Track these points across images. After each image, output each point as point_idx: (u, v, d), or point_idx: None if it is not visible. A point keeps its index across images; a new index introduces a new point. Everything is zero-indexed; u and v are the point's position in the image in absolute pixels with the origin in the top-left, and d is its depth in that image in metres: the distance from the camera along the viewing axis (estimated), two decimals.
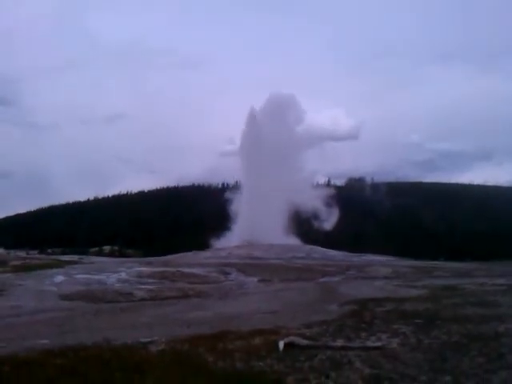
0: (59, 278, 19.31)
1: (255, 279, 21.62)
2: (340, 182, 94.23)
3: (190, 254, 40.23)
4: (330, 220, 52.66)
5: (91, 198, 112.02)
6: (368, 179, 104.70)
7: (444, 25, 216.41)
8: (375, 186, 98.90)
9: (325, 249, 43.04)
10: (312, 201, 49.66)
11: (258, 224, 45.03)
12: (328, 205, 51.80)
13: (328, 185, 76.18)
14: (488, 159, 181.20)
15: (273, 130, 50.68)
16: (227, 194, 56.83)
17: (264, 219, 45.06)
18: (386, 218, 78.05)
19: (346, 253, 42.07)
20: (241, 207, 50.21)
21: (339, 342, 7.04)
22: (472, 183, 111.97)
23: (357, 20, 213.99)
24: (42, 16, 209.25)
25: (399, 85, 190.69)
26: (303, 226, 49.61)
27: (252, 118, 52.03)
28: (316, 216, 52.12)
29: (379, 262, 31.35)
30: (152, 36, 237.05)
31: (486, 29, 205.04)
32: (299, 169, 51.86)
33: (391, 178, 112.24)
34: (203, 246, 48.11)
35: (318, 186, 59.03)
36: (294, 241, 45.26)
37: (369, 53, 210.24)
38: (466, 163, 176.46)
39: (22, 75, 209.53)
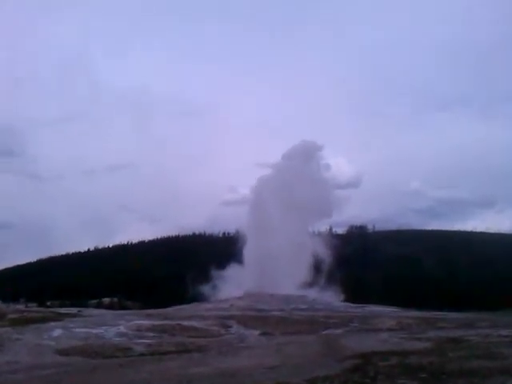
0: (57, 332, 18.98)
1: (256, 332, 21.24)
2: (341, 230, 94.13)
3: (190, 305, 39.66)
4: (333, 269, 52.16)
5: (91, 248, 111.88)
6: (370, 227, 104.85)
7: (444, 72, 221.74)
8: (377, 234, 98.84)
9: (329, 299, 42.47)
10: (317, 249, 49.37)
11: (264, 274, 44.63)
12: (331, 253, 51.47)
13: (330, 233, 75.93)
14: (489, 206, 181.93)
15: (289, 180, 51.20)
16: (229, 243, 56.67)
17: (271, 268, 44.66)
18: (388, 266, 77.42)
19: (349, 304, 41.49)
20: (245, 256, 49.93)
21: None
22: (474, 230, 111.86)
23: (357, 67, 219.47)
24: (46, 67, 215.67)
25: (400, 132, 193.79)
26: (309, 275, 49.00)
27: (267, 167, 52.85)
28: (320, 265, 51.68)
29: (383, 314, 30.85)
30: (156, 84, 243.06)
31: (486, 76, 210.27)
32: (309, 217, 51.72)
33: (393, 226, 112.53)
34: (204, 297, 47.53)
35: (319, 234, 58.74)
36: (302, 291, 44.53)
37: (369, 100, 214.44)
38: (468, 210, 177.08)
39: (26, 126, 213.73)
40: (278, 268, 44.56)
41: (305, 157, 53.93)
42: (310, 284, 46.92)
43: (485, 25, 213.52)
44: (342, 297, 46.76)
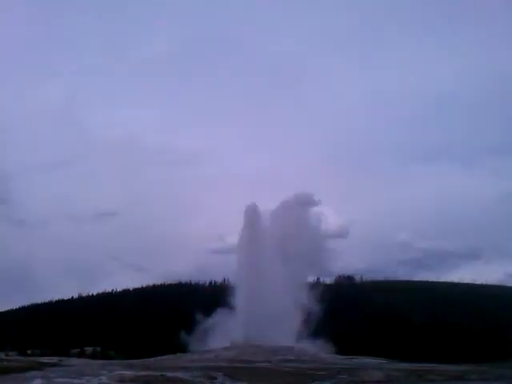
0: (37, 382, 18.45)
1: None
2: (329, 280, 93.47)
3: (174, 356, 38.91)
4: (320, 319, 51.59)
5: (75, 296, 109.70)
6: (357, 277, 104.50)
7: (430, 125, 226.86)
8: (364, 285, 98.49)
9: (316, 351, 41.86)
10: (306, 300, 48.96)
11: (252, 324, 44.04)
12: (319, 304, 51.04)
13: (317, 283, 75.47)
14: (476, 258, 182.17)
15: (282, 230, 51.36)
16: (215, 293, 56.10)
17: (260, 318, 44.10)
18: (376, 317, 76.72)
19: (336, 355, 40.90)
20: (233, 305, 49.35)
21: None
22: (461, 282, 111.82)
23: (344, 118, 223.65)
24: (35, 113, 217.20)
25: (387, 183, 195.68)
26: (297, 325, 48.32)
27: (252, 214, 52.81)
28: (308, 315, 51.10)
29: (371, 365, 30.43)
30: (145, 134, 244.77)
31: (471, 129, 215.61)
32: (301, 268, 51.51)
33: (380, 277, 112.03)
34: (189, 347, 46.64)
35: (308, 284, 58.46)
36: (290, 342, 43.82)
37: (356, 151, 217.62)
38: (455, 262, 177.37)
39: (13, 172, 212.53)
40: (266, 318, 44.05)
41: (299, 208, 54.44)
42: (299, 335, 46.35)
43: (469, 78, 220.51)
44: (330, 348, 46.11)
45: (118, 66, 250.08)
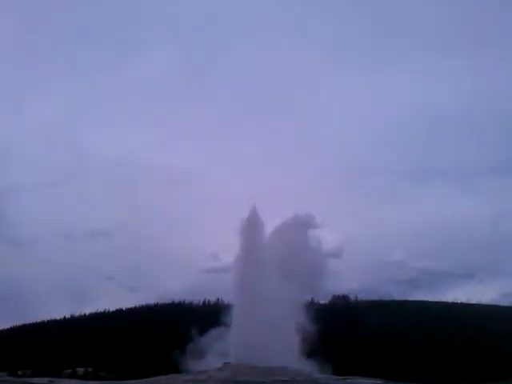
0: None
1: None
2: (324, 300, 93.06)
3: (167, 377, 38.44)
4: (315, 339, 51.21)
5: (67, 315, 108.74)
6: (352, 297, 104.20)
7: (426, 145, 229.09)
8: (359, 304, 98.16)
9: (310, 371, 41.42)
10: (302, 320, 48.54)
11: (246, 344, 43.58)
12: (314, 324, 50.72)
13: (312, 303, 75.11)
14: (471, 278, 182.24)
15: (280, 250, 51.08)
16: (209, 312, 55.67)
17: (256, 338, 43.65)
18: (371, 337, 76.33)
19: (330, 376, 40.56)
20: (228, 325, 48.96)
21: None
22: (456, 301, 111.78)
23: (339, 138, 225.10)
24: (27, 132, 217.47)
25: (382, 203, 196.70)
26: (293, 346, 47.81)
27: (253, 219, 52.54)
28: (303, 335, 50.70)
29: None
30: (138, 152, 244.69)
31: (465, 149, 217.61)
32: (298, 287, 51.15)
33: (375, 296, 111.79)
34: (182, 367, 46.15)
35: (303, 304, 58.13)
36: (284, 362, 43.25)
37: (351, 171, 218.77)
38: (449, 281, 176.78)
39: (5, 190, 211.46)
40: (262, 338, 43.63)
41: (299, 229, 54.32)
42: (295, 355, 45.87)
43: (466, 99, 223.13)
44: (325, 368, 45.72)
45: (110, 86, 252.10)
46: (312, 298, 56.54)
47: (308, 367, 43.82)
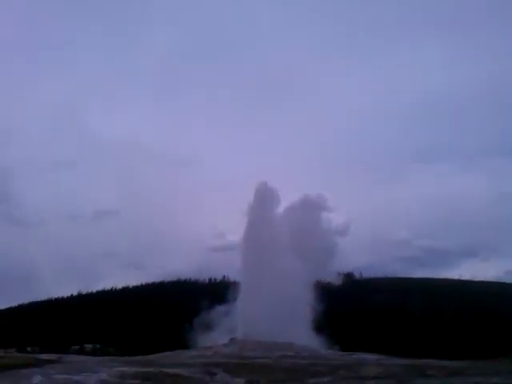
0: (37, 379, 18.45)
1: (242, 380, 20.82)
2: (330, 278, 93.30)
3: (174, 352, 38.80)
4: (320, 316, 51.51)
5: (75, 293, 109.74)
6: (357, 275, 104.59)
7: (430, 125, 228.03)
8: (364, 282, 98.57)
9: (316, 347, 41.77)
10: (307, 297, 48.74)
11: (253, 320, 43.88)
12: (319, 301, 50.92)
13: (319, 281, 75.42)
14: (475, 255, 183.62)
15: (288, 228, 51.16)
16: (215, 290, 56.00)
17: (263, 314, 43.91)
18: (376, 313, 76.83)
19: (335, 351, 40.87)
20: (234, 302, 49.28)
21: None
22: (460, 278, 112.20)
23: (345, 119, 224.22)
24: (35, 113, 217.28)
25: (387, 182, 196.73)
26: (298, 322, 48.12)
27: (252, 208, 52.62)
28: (308, 312, 50.95)
29: (370, 361, 30.43)
30: (144, 133, 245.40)
31: (469, 129, 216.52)
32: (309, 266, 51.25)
33: (380, 274, 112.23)
34: (188, 343, 46.64)
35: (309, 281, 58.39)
36: (289, 338, 43.61)
37: (356, 150, 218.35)
38: (454, 259, 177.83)
39: (13, 171, 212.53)
40: (269, 314, 43.91)
41: (311, 209, 54.43)
42: (301, 331, 46.15)
43: (469, 79, 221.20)
44: (331, 344, 46.11)
45: (118, 67, 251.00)
46: (320, 277, 56.53)
47: (314, 343, 44.23)
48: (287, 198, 55.55)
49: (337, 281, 55.98)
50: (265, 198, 52.88)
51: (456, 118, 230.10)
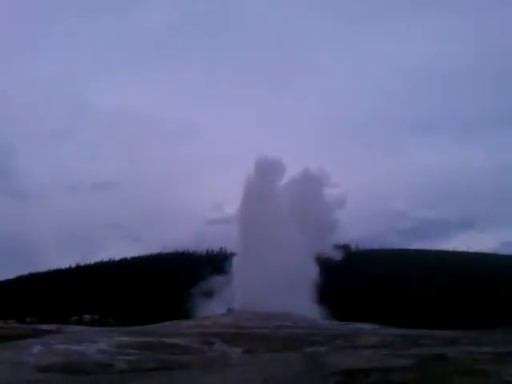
0: (36, 349, 18.61)
1: (239, 350, 21.05)
2: (327, 250, 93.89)
3: (172, 323, 39.23)
4: (317, 286, 51.96)
5: (73, 265, 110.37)
6: (353, 246, 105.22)
7: (429, 96, 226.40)
8: (360, 253, 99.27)
9: (313, 317, 42.24)
10: (305, 268, 49.03)
11: (249, 291, 44.27)
12: (317, 272, 51.25)
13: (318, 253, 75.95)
14: (471, 227, 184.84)
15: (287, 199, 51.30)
16: (212, 261, 56.37)
17: (260, 286, 44.26)
18: (372, 284, 77.68)
19: (332, 321, 41.38)
20: (232, 273, 49.65)
21: None
22: (456, 250, 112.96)
23: (341, 90, 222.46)
24: (33, 84, 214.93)
25: (383, 153, 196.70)
26: (295, 293, 48.61)
27: (250, 179, 52.67)
28: (306, 282, 51.36)
29: (366, 331, 30.86)
30: (143, 104, 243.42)
31: (467, 100, 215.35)
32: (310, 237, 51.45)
33: (376, 245, 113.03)
34: (186, 314, 47.16)
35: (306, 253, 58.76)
36: (286, 308, 44.05)
37: (353, 122, 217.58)
38: (450, 231, 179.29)
39: (10, 144, 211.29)
40: (264, 285, 44.26)
41: (311, 183, 54.49)
42: (298, 301, 46.62)
43: (468, 50, 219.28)
44: (328, 315, 46.67)
45: (116, 37, 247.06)
46: (320, 250, 57.06)
47: (311, 313, 44.73)
48: (287, 171, 55.69)
49: (337, 256, 56.14)
50: (265, 169, 52.83)
51: (455, 89, 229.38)
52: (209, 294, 50.42)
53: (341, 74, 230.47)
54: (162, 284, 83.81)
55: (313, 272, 49.02)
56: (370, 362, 14.81)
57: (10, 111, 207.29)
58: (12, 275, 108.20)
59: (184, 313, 48.14)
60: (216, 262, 58.37)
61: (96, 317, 74.21)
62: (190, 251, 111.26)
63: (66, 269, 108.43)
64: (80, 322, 63.98)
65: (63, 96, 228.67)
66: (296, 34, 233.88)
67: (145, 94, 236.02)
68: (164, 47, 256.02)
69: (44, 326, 34.81)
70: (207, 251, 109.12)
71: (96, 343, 20.51)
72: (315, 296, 48.81)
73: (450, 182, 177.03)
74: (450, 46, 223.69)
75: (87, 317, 73.46)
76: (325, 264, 54.05)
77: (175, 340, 22.54)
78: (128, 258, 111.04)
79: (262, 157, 53.44)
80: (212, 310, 45.94)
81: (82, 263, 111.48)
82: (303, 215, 50.73)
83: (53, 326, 34.04)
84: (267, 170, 52.86)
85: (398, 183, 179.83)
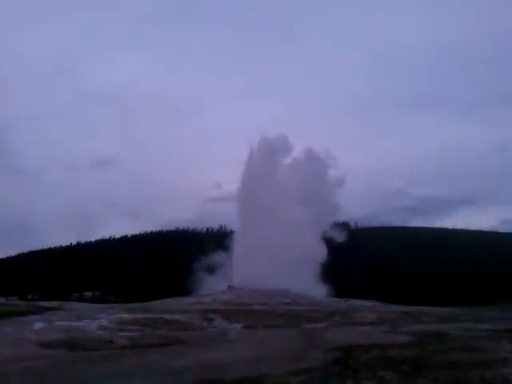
0: (38, 325, 18.76)
1: (239, 326, 21.24)
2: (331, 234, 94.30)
3: (172, 299, 39.53)
4: (316, 263, 52.21)
5: (74, 242, 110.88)
6: (352, 224, 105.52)
7: (427, 75, 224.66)
8: (359, 231, 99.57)
9: (312, 294, 42.51)
10: (305, 245, 49.18)
11: (249, 268, 44.48)
12: (320, 250, 51.44)
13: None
14: (470, 205, 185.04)
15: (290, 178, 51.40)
16: (212, 239, 56.54)
17: (260, 263, 44.46)
18: (371, 262, 78.10)
19: (331, 298, 41.69)
20: (232, 251, 49.82)
21: None
22: (455, 228, 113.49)
23: (342, 67, 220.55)
24: (31, 63, 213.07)
25: (384, 131, 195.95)
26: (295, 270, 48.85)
27: (252, 157, 52.63)
28: (305, 260, 51.58)
29: (365, 308, 31.10)
30: (141, 83, 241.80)
31: (468, 79, 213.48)
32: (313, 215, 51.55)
33: (375, 223, 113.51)
34: (186, 291, 47.48)
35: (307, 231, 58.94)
36: (285, 285, 44.28)
37: (355, 101, 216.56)
38: (449, 208, 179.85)
39: (11, 122, 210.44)
40: (264, 263, 44.46)
41: (315, 163, 54.61)
42: (295, 279, 46.86)
43: (471, 28, 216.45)
44: (327, 291, 47.05)
45: (111, 14, 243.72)
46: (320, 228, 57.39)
47: (311, 291, 45.03)
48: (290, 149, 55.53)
49: (340, 237, 56.39)
50: (269, 147, 52.83)
51: (456, 67, 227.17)
52: (209, 272, 50.70)
53: (341, 50, 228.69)
54: (163, 261, 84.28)
55: (315, 250, 49.24)
56: (368, 339, 14.93)
57: (7, 90, 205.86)
58: (13, 252, 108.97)
59: (184, 290, 48.47)
60: (216, 240, 58.53)
61: (97, 294, 74.91)
62: (190, 229, 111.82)
63: (67, 246, 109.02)
64: (81, 299, 64.56)
65: (62, 73, 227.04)
66: (296, 8, 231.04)
67: (144, 69, 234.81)
68: (163, 22, 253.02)
69: (45, 303, 35.13)
70: (207, 229, 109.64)
71: (97, 320, 20.69)
72: (316, 274, 49.12)
73: (451, 159, 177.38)
74: (451, 23, 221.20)
75: (88, 294, 74.14)
76: (326, 243, 54.27)
77: (176, 316, 22.72)
78: (128, 235, 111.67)
79: (265, 136, 53.56)
80: (212, 287, 46.23)
81: (83, 241, 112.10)
82: (305, 194, 50.85)
83: (54, 303, 34.36)
84: (272, 148, 52.90)
85: (398, 161, 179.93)
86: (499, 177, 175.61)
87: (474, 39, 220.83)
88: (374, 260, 78.92)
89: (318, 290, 46.18)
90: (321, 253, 49.72)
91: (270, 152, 52.87)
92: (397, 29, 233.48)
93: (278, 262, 44.37)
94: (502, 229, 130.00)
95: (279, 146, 53.36)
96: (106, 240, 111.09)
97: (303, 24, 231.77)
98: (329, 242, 56.67)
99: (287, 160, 55.13)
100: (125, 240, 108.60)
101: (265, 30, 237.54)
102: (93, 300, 65.79)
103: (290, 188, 50.84)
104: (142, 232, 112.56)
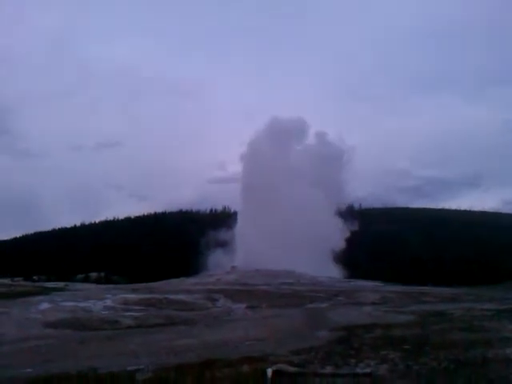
0: (44, 306, 18.97)
1: (243, 306, 21.41)
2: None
3: (177, 280, 39.82)
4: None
5: (78, 224, 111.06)
6: (356, 205, 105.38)
7: (432, 56, 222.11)
8: (363, 212, 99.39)
9: (315, 274, 42.63)
10: (309, 226, 49.19)
11: (253, 249, 44.60)
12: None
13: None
14: (474, 186, 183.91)
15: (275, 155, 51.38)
16: (216, 220, 56.61)
17: (263, 243, 44.56)
18: (374, 242, 78.12)
19: (334, 278, 41.85)
20: (236, 232, 49.94)
21: (328, 369, 6.97)
22: (459, 209, 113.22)
23: (346, 48, 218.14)
24: (34, 45, 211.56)
25: (388, 112, 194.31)
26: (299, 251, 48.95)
27: (255, 140, 52.68)
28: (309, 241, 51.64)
29: (367, 288, 31.27)
30: (144, 64, 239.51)
31: (473, 60, 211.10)
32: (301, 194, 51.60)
33: (379, 204, 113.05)
34: (191, 271, 47.71)
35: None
36: (289, 266, 44.34)
37: (359, 82, 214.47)
38: (453, 189, 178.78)
39: (14, 104, 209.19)
40: (266, 243, 44.58)
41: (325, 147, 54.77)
42: (300, 259, 46.97)
43: (473, 9, 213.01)
44: (338, 272, 47.41)
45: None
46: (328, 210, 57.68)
47: (324, 272, 45.05)
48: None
49: (352, 226, 56.80)
50: (279, 129, 52.87)
51: (458, 48, 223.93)
52: (212, 252, 50.86)
53: (345, 32, 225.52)
54: (167, 242, 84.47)
55: (329, 232, 49.39)
56: (370, 318, 15.04)
57: (11, 72, 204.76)
58: (18, 234, 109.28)
59: (188, 270, 48.69)
60: (219, 221, 58.58)
61: (102, 274, 75.12)
62: (194, 210, 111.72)
63: (72, 227, 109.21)
64: (86, 280, 64.87)
65: (65, 55, 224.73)
66: None
67: (146, 52, 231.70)
68: (166, 3, 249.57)
69: (51, 284, 35.44)
70: (211, 210, 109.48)
71: (102, 300, 20.90)
72: (328, 255, 49.43)
73: (455, 140, 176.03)
74: (454, 5, 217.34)
75: (93, 274, 74.36)
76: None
77: (180, 297, 22.92)
78: (132, 216, 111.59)
79: (274, 118, 53.79)
80: (216, 267, 46.44)
81: (87, 222, 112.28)
82: (317, 176, 50.95)
83: (60, 284, 34.65)
84: (284, 131, 53.12)
85: (403, 142, 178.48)
86: (502, 158, 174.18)
87: (478, 20, 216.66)
88: (378, 240, 78.89)
89: (331, 271, 46.38)
90: (335, 235, 49.85)
91: (281, 133, 52.95)
92: (399, 9, 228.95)
93: (284, 242, 44.54)
94: (505, 209, 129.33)
95: (293, 128, 53.42)
96: (110, 221, 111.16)
97: (304, 5, 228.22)
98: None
99: (302, 143, 55.19)
100: (129, 221, 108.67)
101: (266, 11, 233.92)
102: (98, 281, 66.10)
103: (301, 170, 50.89)
104: (146, 213, 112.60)
